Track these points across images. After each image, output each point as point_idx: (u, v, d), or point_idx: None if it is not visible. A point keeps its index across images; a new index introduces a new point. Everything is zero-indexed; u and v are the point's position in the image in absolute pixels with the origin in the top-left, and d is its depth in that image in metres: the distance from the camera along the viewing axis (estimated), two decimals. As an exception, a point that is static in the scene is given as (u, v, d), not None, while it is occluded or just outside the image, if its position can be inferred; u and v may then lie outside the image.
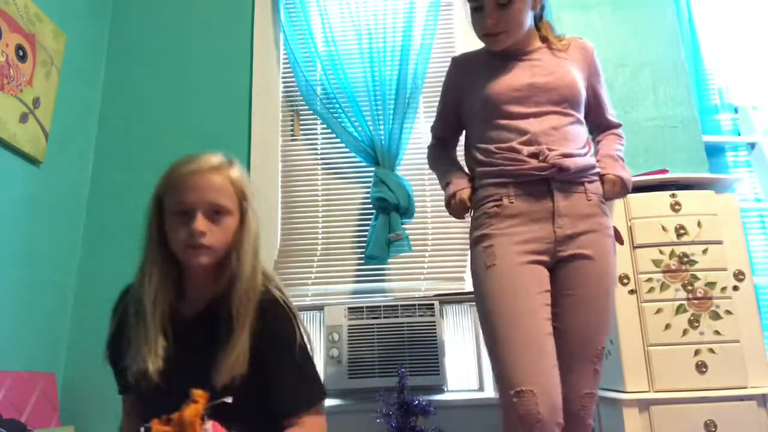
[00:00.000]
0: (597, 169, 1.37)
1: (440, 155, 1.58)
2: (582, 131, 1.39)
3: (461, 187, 1.41)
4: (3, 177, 1.80)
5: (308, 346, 1.13)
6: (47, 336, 1.95)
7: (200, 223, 1.03)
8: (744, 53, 2.40)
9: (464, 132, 1.55)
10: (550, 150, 1.29)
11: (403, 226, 2.11)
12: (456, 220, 1.49)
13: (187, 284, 1.13)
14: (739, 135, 2.32)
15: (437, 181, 1.55)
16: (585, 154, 1.35)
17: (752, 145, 2.30)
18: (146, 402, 1.10)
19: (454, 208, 1.41)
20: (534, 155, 1.29)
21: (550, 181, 1.29)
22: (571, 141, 1.33)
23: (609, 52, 2.27)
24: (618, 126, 1.53)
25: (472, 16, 1.40)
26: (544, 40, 1.46)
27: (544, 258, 1.27)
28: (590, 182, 1.33)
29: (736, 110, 2.36)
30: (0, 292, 1.75)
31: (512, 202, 1.30)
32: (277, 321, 1.09)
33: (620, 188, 1.37)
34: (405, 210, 2.11)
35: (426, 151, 1.63)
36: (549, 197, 1.29)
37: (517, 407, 1.13)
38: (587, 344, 1.25)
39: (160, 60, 2.46)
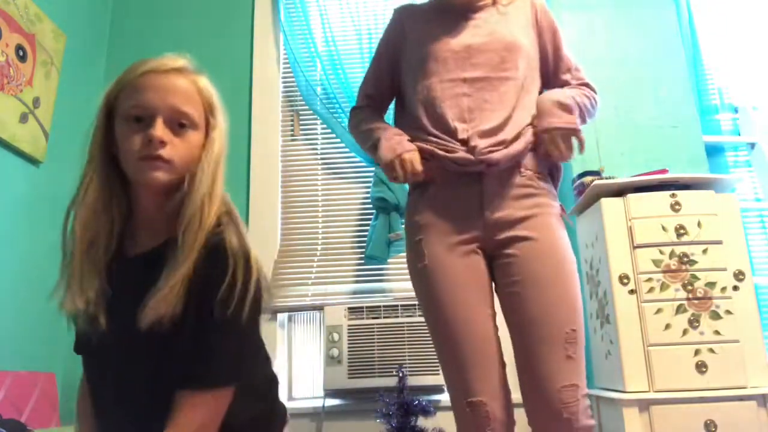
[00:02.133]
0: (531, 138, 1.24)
1: (366, 116, 1.40)
2: (522, 98, 1.26)
3: (408, 148, 1.24)
4: (3, 177, 1.80)
5: (246, 312, 0.86)
6: (47, 336, 1.95)
7: (159, 129, 0.85)
8: (744, 53, 2.40)
9: (396, 98, 1.44)
10: (480, 136, 1.19)
11: (403, 226, 2.11)
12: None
13: (135, 217, 0.94)
14: (739, 135, 2.32)
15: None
16: (522, 129, 1.23)
17: (752, 145, 2.30)
18: (87, 364, 0.96)
19: (399, 172, 1.23)
20: (465, 142, 1.20)
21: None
22: (506, 112, 1.22)
23: (609, 52, 2.27)
24: (586, 85, 1.38)
25: None
26: None
27: (477, 245, 1.21)
28: (523, 157, 1.23)
29: (736, 110, 2.36)
30: (0, 292, 1.75)
31: (439, 187, 1.23)
32: (215, 266, 0.85)
33: (556, 138, 1.20)
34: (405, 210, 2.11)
35: None
36: (477, 178, 1.21)
37: (470, 416, 1.13)
38: (550, 328, 1.12)
39: (160, 60, 2.46)
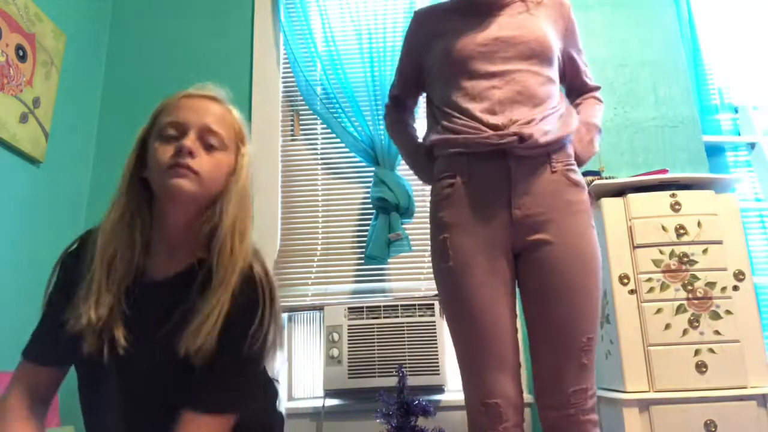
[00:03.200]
0: (569, 137, 1.26)
1: (396, 122, 1.50)
2: (553, 93, 1.28)
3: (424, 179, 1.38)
4: (3, 177, 1.80)
5: (266, 346, 0.93)
6: (47, 336, 1.95)
7: (191, 140, 0.91)
8: (744, 53, 2.40)
9: (426, 95, 1.45)
10: (512, 121, 1.19)
11: (403, 226, 2.11)
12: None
13: (159, 238, 0.96)
14: (739, 135, 2.32)
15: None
16: (555, 120, 1.23)
17: (752, 145, 2.30)
18: (89, 377, 0.94)
19: None
20: (495, 127, 1.19)
21: (508, 155, 1.19)
22: (538, 106, 1.22)
23: (609, 52, 2.27)
24: (597, 89, 1.44)
25: None
26: None
27: (504, 246, 1.19)
28: (556, 151, 1.22)
29: (736, 110, 2.36)
30: (0, 292, 1.75)
31: (465, 182, 1.21)
32: (246, 300, 0.92)
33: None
34: (405, 210, 2.11)
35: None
36: (506, 174, 1.19)
37: (483, 415, 1.15)
38: (567, 337, 1.14)
39: (160, 60, 2.46)
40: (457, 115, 1.24)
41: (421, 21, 1.43)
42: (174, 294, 0.92)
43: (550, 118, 1.22)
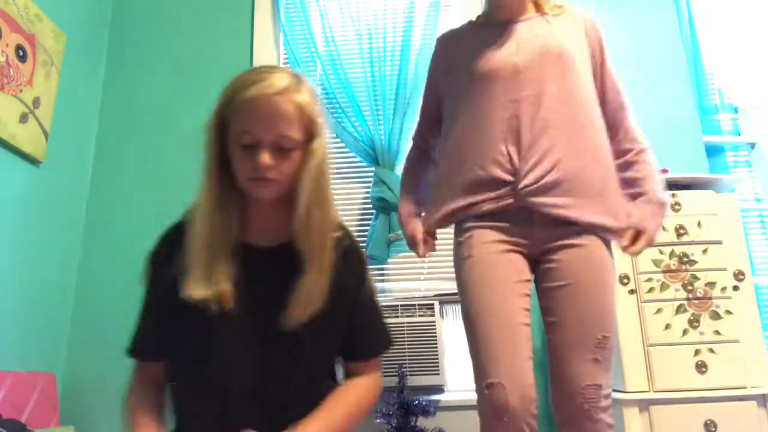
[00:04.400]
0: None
1: (407, 170, 1.51)
2: (576, 112, 1.24)
3: (413, 226, 1.40)
4: (3, 177, 1.80)
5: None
6: (47, 336, 1.95)
7: (266, 157, 0.94)
8: (744, 53, 2.40)
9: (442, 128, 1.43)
10: (533, 167, 1.18)
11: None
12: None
13: (252, 215, 1.04)
14: (739, 135, 2.32)
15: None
16: (577, 185, 1.20)
17: (752, 145, 2.30)
18: (201, 359, 1.00)
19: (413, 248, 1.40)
20: (509, 183, 1.20)
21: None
22: (560, 132, 1.20)
23: (609, 52, 2.26)
24: (644, 150, 1.36)
25: None
26: (537, 6, 1.33)
27: (524, 250, 1.23)
28: None
29: (736, 110, 2.36)
30: (0, 293, 1.75)
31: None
32: (361, 261, 1.10)
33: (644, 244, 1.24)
34: (405, 210, 2.10)
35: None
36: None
37: (488, 399, 1.13)
38: (583, 335, 1.16)
39: (160, 60, 2.46)
40: (471, 163, 1.24)
41: (442, 49, 1.43)
42: (279, 262, 1.01)
43: (573, 184, 1.19)
